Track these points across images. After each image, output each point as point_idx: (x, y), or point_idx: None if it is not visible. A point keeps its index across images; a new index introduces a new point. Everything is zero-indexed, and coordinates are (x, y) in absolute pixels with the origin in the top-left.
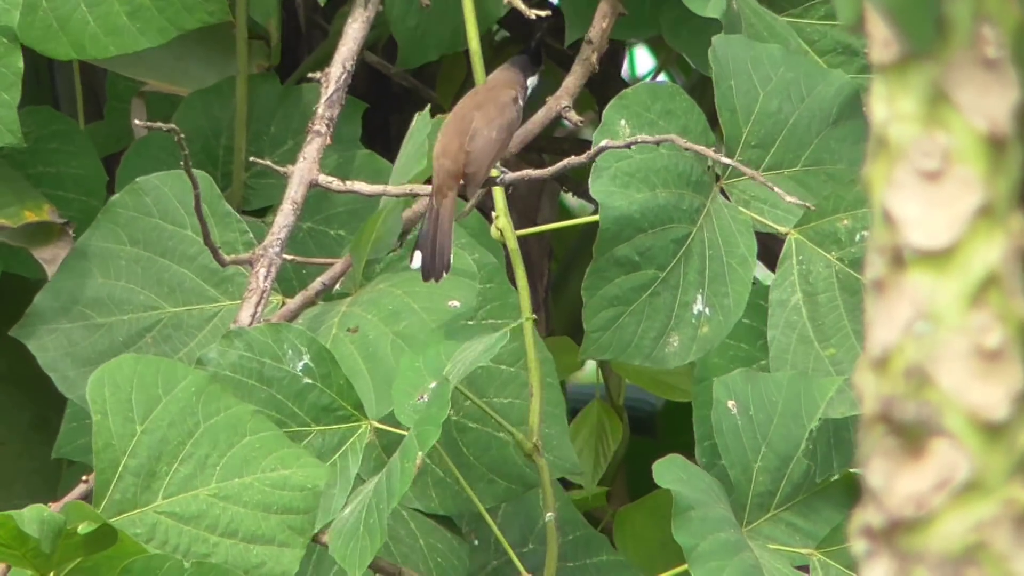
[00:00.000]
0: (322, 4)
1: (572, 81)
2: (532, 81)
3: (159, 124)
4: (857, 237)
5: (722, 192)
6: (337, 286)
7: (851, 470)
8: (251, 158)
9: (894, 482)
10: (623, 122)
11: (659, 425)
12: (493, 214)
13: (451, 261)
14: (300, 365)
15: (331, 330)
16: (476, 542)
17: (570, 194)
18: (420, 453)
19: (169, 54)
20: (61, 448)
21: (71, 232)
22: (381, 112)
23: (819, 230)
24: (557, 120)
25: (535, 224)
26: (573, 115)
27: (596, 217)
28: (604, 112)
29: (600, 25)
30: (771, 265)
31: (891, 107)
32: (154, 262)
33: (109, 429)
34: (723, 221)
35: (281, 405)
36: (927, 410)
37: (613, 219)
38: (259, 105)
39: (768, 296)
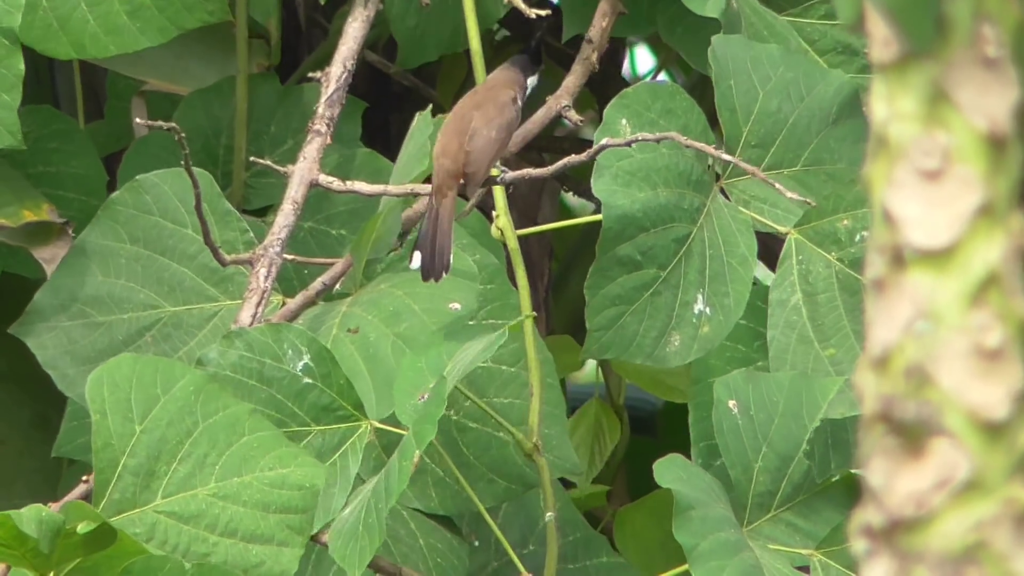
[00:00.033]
0: (322, 3)
1: (572, 80)
2: (532, 81)
3: (159, 123)
4: (857, 237)
5: (722, 192)
6: (337, 286)
7: (851, 471)
8: (251, 157)
9: (894, 481)
10: (624, 121)
11: (659, 425)
12: (493, 213)
13: (451, 261)
14: (300, 365)
15: (331, 330)
16: (476, 543)
17: (570, 193)
18: (417, 451)
19: (169, 53)
20: (61, 446)
21: (70, 231)
22: (381, 111)
23: (819, 230)
24: (557, 119)
25: (535, 223)
26: (573, 114)
27: (597, 216)
28: (605, 111)
29: (600, 24)
30: (771, 265)
31: (891, 106)
32: (154, 260)
33: (108, 429)
34: (723, 221)
35: (281, 405)
36: (927, 409)
37: (616, 218)
38: (259, 104)
39: (765, 297)
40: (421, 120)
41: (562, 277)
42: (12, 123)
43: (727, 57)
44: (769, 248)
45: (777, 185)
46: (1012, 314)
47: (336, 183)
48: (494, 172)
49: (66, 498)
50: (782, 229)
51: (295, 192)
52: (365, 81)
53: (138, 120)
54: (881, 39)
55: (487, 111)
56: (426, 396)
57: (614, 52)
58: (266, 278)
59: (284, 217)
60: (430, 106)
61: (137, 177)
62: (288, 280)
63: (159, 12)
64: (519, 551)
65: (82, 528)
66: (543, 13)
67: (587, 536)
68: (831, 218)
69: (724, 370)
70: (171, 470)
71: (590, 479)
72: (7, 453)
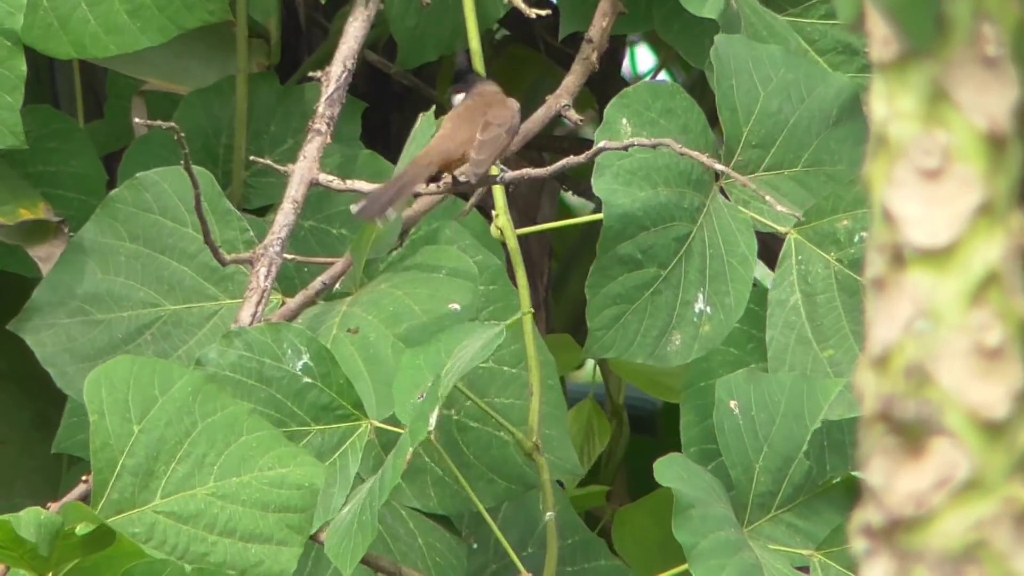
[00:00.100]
0: (323, 3)
1: (572, 80)
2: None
3: (159, 123)
4: (856, 238)
5: (722, 191)
6: (337, 285)
7: (852, 472)
8: (251, 157)
9: (894, 481)
10: (624, 121)
11: (659, 425)
12: (493, 213)
13: (390, 213)
14: (300, 364)
15: (331, 330)
16: (475, 545)
17: (570, 193)
18: (410, 448)
19: (169, 53)
20: (61, 443)
21: (67, 230)
22: (381, 111)
23: (818, 230)
24: (557, 119)
25: (535, 223)
26: (573, 114)
27: (597, 216)
28: (605, 111)
29: (600, 24)
30: (771, 264)
31: (891, 105)
32: (154, 259)
33: (106, 429)
34: (723, 220)
35: (281, 404)
36: (927, 409)
37: (617, 217)
38: (259, 104)
39: (760, 300)
40: (424, 121)
41: (562, 276)
42: (14, 124)
43: (729, 56)
44: (769, 248)
45: (768, 197)
46: (1012, 313)
47: (336, 182)
48: (494, 171)
49: (65, 498)
50: (781, 229)
51: (295, 191)
52: (365, 81)
53: (138, 120)
54: (881, 38)
55: (499, 112)
56: (425, 395)
57: (614, 51)
58: (266, 277)
59: (284, 216)
60: (433, 107)
61: (137, 175)
62: (288, 279)
63: (159, 12)
64: (518, 554)
65: (80, 529)
66: (543, 13)
67: (586, 539)
68: (831, 218)
69: (717, 373)
70: (170, 470)
71: (577, 481)
72: (7, 453)
